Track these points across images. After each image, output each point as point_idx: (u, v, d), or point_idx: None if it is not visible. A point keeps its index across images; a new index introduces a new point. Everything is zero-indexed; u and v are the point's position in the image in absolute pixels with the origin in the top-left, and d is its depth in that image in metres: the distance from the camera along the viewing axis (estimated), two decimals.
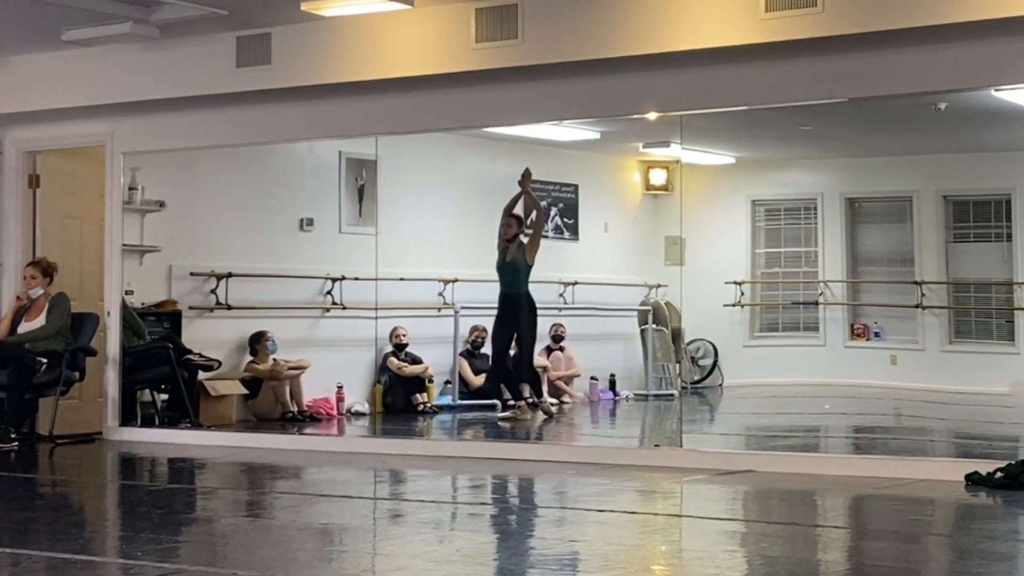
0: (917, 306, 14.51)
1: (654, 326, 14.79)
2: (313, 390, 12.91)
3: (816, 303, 15.11)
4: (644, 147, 14.90)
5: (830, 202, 15.10)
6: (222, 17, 10.07)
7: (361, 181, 13.46)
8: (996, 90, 9.89)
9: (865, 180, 15.17)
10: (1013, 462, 8.50)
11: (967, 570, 6.14)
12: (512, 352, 12.93)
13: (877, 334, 14.83)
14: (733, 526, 7.56)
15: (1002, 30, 8.45)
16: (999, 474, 8.43)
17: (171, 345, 11.71)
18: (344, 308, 13.24)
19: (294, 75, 10.40)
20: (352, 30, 10.15)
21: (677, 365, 14.81)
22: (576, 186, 15.08)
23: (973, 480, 8.48)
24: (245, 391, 12.54)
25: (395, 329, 13.37)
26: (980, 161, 14.39)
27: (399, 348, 13.39)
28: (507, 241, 12.38)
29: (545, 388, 14.13)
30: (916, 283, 14.53)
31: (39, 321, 11.26)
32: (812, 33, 8.77)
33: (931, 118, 12.04)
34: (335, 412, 13.02)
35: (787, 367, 15.06)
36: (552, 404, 13.25)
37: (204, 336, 12.35)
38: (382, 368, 13.41)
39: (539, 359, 14.15)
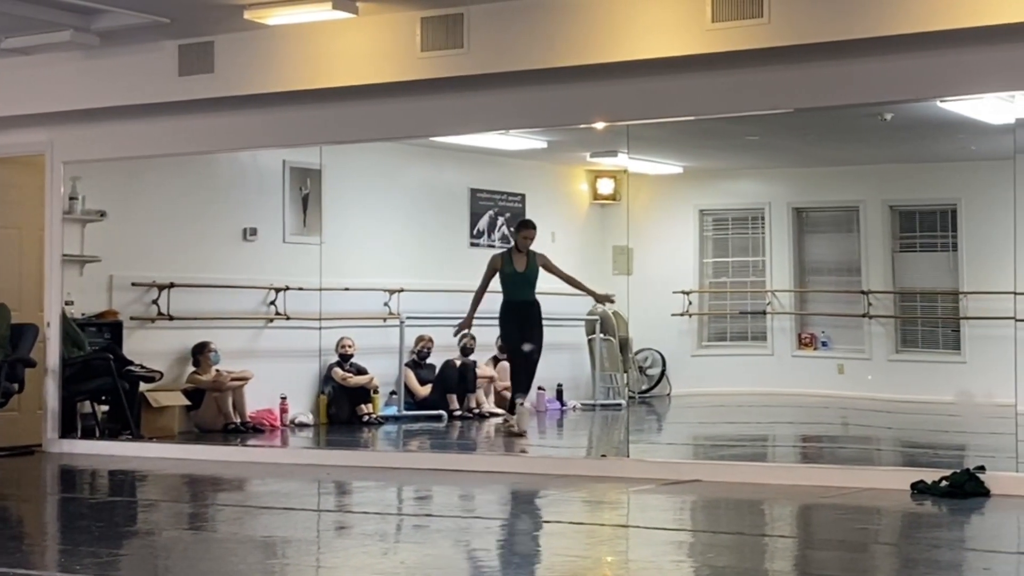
0: (864, 315, 14.55)
1: (602, 336, 14.76)
2: (256, 401, 12.81)
3: (764, 312, 15.13)
4: (591, 157, 14.89)
5: (777, 212, 15.12)
6: (164, 25, 10.01)
7: (305, 190, 13.38)
8: (941, 101, 9.93)
9: (812, 190, 15.21)
10: (958, 471, 8.55)
11: None
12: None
13: (824, 343, 14.86)
14: (680, 536, 7.55)
15: (947, 42, 8.50)
16: (944, 483, 8.47)
17: (112, 356, 11.61)
18: (288, 318, 13.15)
19: (237, 84, 10.34)
20: (296, 39, 10.09)
21: (625, 375, 14.79)
22: (523, 196, 15.05)
23: (919, 489, 8.51)
24: (187, 402, 12.43)
25: (342, 339, 13.29)
26: (926, 171, 14.46)
27: (345, 359, 13.30)
28: (519, 251, 12.07)
29: (492, 398, 14.10)
30: (863, 293, 14.58)
31: None
32: (758, 44, 8.79)
33: (877, 128, 12.08)
34: (278, 423, 12.93)
35: (735, 376, 15.06)
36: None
37: (146, 347, 12.23)
38: (326, 379, 13.32)
39: (487, 369, 14.11)
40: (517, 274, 11.92)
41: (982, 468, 8.58)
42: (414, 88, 9.99)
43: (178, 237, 12.68)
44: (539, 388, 14.50)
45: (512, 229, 11.90)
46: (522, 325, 11.93)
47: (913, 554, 6.81)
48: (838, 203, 15.10)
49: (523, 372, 12.15)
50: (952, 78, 8.82)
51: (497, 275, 12.01)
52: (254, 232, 13.20)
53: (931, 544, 7.02)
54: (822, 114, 10.82)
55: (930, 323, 14.69)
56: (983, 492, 8.39)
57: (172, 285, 12.52)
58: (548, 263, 11.97)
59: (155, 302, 12.49)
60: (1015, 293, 9.62)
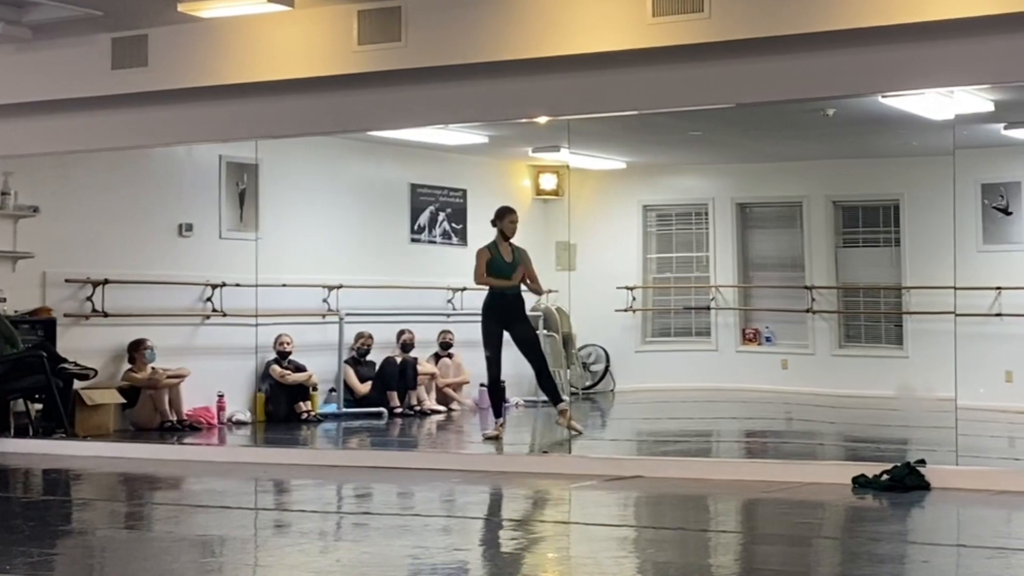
0: (807, 311, 14.61)
1: (545, 332, 14.70)
2: (193, 399, 12.70)
3: (708, 308, 15.15)
4: (533, 152, 14.84)
5: (721, 207, 15.15)
6: (97, 18, 9.90)
7: (242, 185, 13.27)
8: (883, 96, 9.96)
9: (755, 185, 15.24)
10: (899, 464, 8.57)
11: (854, 572, 6.17)
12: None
13: (768, 339, 14.91)
14: (622, 532, 7.51)
15: (888, 37, 8.51)
16: (885, 476, 8.49)
17: (45, 354, 11.48)
18: (224, 315, 13.03)
19: (172, 77, 10.24)
20: (231, 31, 10.00)
21: (568, 371, 14.75)
22: (464, 191, 14.99)
23: (860, 483, 8.52)
24: (123, 400, 12.30)
25: (279, 336, 13.18)
26: (868, 167, 14.52)
27: (283, 356, 13.19)
28: (504, 239, 11.67)
29: (433, 395, 14.01)
30: (806, 288, 14.63)
31: None
32: (699, 38, 8.76)
33: (820, 124, 12.12)
34: (216, 421, 12.83)
35: (679, 372, 15.07)
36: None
37: (80, 344, 12.09)
38: (264, 376, 13.22)
39: (427, 366, 14.02)
40: (506, 264, 11.41)
41: (922, 462, 8.61)
42: (352, 82, 9.91)
43: (113, 233, 12.55)
44: (481, 385, 14.42)
45: (493, 218, 11.54)
46: (507, 320, 11.56)
47: (854, 547, 6.82)
48: (781, 199, 15.15)
49: (547, 379, 11.69)
50: (893, 74, 8.83)
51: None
52: (190, 228, 13.08)
53: (872, 537, 7.02)
54: (764, 109, 10.84)
55: (873, 318, 14.76)
56: (923, 486, 8.41)
57: (107, 281, 12.39)
58: (527, 257, 11.67)
59: (89, 299, 12.35)
60: (955, 288, 9.65)
